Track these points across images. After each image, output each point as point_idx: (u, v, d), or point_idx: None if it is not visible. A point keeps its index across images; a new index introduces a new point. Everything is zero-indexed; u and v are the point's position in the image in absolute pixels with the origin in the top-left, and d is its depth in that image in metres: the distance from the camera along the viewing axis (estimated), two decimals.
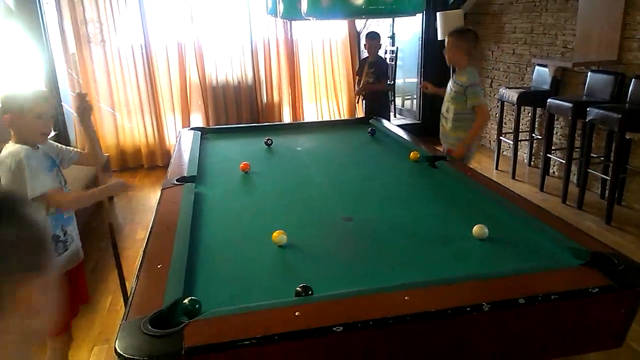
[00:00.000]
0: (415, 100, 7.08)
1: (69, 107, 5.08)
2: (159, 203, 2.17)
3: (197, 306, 1.31)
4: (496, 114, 5.26)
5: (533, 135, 5.08)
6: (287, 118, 6.19)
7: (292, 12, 2.88)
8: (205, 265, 1.65)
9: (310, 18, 2.71)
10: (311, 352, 1.23)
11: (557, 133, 4.74)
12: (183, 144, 3.22)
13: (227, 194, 2.43)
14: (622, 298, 1.39)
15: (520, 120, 4.88)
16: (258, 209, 2.20)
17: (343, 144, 3.44)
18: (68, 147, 2.16)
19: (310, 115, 6.36)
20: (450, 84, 3.29)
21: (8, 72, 4.25)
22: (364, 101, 5.16)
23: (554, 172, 4.90)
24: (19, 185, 1.77)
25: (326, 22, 5.87)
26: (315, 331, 1.21)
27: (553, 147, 4.63)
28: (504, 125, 5.17)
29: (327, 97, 6.37)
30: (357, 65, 5.51)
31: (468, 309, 1.29)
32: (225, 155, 3.10)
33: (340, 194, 2.38)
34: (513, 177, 4.91)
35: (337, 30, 6.21)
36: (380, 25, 6.63)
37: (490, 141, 5.95)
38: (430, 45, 6.09)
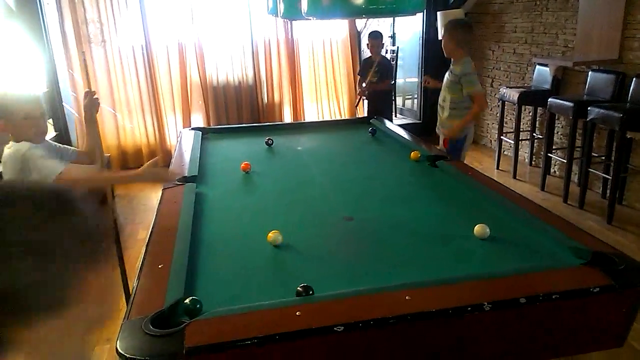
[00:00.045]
0: (415, 100, 7.08)
1: (70, 107, 5.08)
2: (160, 203, 2.18)
3: (198, 306, 1.31)
4: (497, 114, 5.26)
5: (534, 134, 5.07)
6: (287, 118, 6.19)
7: (292, 11, 2.88)
8: (206, 265, 1.65)
9: (311, 18, 2.71)
10: (312, 352, 1.23)
11: (558, 132, 4.73)
12: (184, 144, 3.22)
13: (228, 193, 2.43)
14: (623, 297, 1.38)
15: (521, 119, 4.87)
16: (259, 209, 2.20)
17: (344, 143, 3.44)
18: (66, 146, 2.17)
19: (310, 115, 6.36)
20: (447, 74, 3.37)
21: (8, 72, 4.25)
22: (366, 101, 5.16)
23: (555, 171, 4.90)
24: (28, 175, 1.81)
25: (327, 22, 5.87)
26: (316, 331, 1.21)
27: (554, 147, 4.62)
28: (504, 124, 5.16)
29: (327, 97, 6.37)
30: (359, 65, 5.50)
31: (469, 308, 1.29)
32: (226, 155, 3.10)
33: (341, 194, 2.38)
34: (514, 177, 4.90)
35: (337, 30, 6.21)
36: (381, 25, 6.62)
37: (491, 141, 5.95)
38: (430, 44, 6.08)
